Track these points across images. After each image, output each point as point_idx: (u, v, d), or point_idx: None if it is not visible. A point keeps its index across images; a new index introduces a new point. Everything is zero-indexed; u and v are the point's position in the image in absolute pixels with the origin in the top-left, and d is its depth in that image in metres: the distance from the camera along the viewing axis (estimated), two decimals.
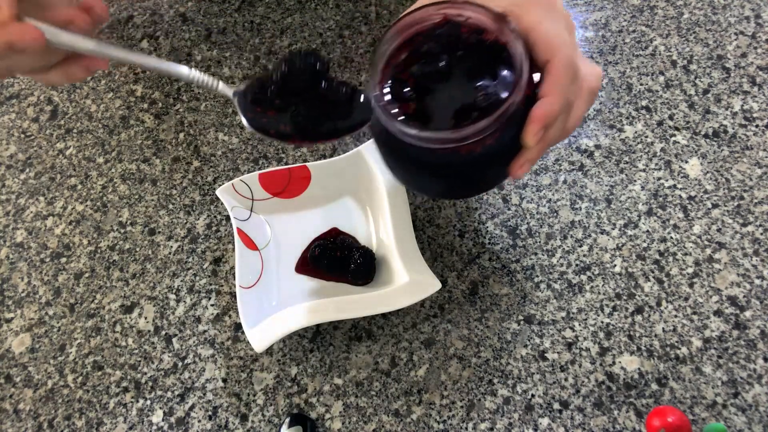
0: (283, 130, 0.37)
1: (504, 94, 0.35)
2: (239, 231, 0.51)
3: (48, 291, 0.55)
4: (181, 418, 0.49)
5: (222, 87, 0.37)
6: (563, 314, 0.48)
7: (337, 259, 0.50)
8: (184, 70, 0.36)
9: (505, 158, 0.38)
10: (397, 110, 0.36)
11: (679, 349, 0.46)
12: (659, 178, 0.52)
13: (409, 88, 0.37)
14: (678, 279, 0.49)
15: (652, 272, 0.49)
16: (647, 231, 0.50)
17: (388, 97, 0.37)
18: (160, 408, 0.49)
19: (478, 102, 0.35)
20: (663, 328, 0.47)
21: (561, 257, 0.50)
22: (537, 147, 0.36)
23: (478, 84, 0.36)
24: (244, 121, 0.37)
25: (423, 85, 0.37)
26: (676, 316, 0.47)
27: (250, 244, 0.51)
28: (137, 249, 0.56)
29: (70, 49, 0.34)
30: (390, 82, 0.37)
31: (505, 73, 0.36)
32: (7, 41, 0.31)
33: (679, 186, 0.52)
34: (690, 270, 0.49)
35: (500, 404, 0.46)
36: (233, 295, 0.53)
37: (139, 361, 0.51)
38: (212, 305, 0.52)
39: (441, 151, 0.36)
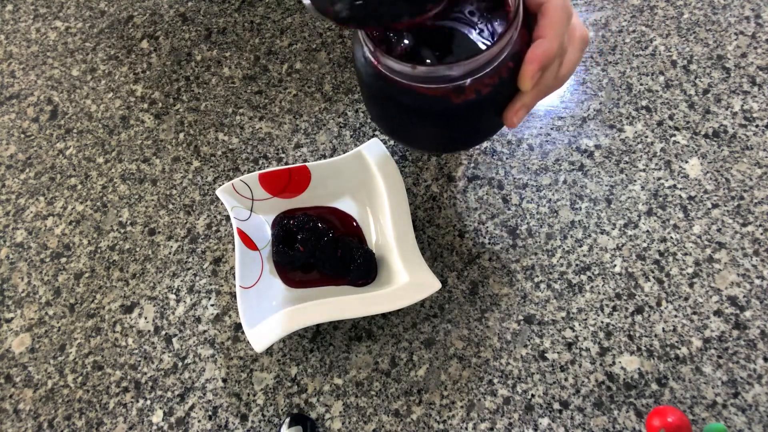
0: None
1: (500, 30, 0.34)
2: (239, 231, 0.51)
3: (48, 291, 0.55)
4: (181, 418, 0.49)
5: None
6: (563, 314, 0.48)
7: (337, 259, 0.50)
8: None
9: (500, 106, 0.37)
10: (388, 49, 0.35)
11: (679, 349, 0.46)
12: (659, 178, 0.52)
13: (398, 34, 0.36)
14: (678, 279, 0.49)
15: (652, 272, 0.49)
16: (647, 231, 0.50)
17: (374, 41, 0.35)
18: (160, 408, 0.49)
19: (474, 42, 0.35)
20: (663, 328, 0.47)
21: (561, 257, 0.50)
22: (532, 92, 0.35)
23: (474, 27, 0.36)
24: None
25: (413, 31, 0.36)
26: (676, 316, 0.47)
27: (250, 244, 0.51)
28: (137, 249, 0.56)
29: None
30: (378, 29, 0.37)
31: (498, 19, 0.35)
32: None
33: (679, 186, 0.52)
34: (690, 270, 0.49)
35: (500, 404, 0.46)
36: (233, 295, 0.53)
37: (139, 361, 0.51)
38: (212, 305, 0.52)
39: (434, 93, 0.35)
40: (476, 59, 0.33)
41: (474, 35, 0.36)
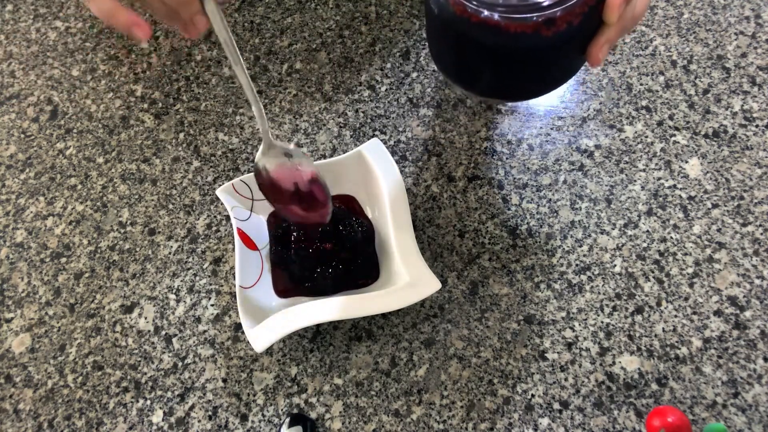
0: None
1: None
2: (239, 231, 0.51)
3: (48, 291, 0.55)
4: (181, 418, 0.49)
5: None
6: (563, 314, 0.48)
7: (338, 260, 0.50)
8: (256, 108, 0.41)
9: (585, 41, 0.36)
10: None
11: (679, 349, 0.46)
12: (659, 178, 0.52)
13: None
14: (678, 279, 0.49)
15: (652, 272, 0.49)
16: (647, 231, 0.50)
17: None
18: (160, 408, 0.49)
19: None
20: (663, 328, 0.47)
21: (561, 257, 0.50)
22: (616, 26, 0.36)
23: None
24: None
25: None
26: (676, 316, 0.47)
27: (250, 244, 0.51)
28: (137, 249, 0.56)
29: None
30: None
31: None
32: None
33: (679, 186, 0.52)
34: (690, 270, 0.49)
35: (500, 404, 0.46)
36: (233, 295, 0.53)
37: (139, 361, 0.51)
38: (212, 305, 0.52)
39: (523, 29, 0.34)
40: None
41: None
